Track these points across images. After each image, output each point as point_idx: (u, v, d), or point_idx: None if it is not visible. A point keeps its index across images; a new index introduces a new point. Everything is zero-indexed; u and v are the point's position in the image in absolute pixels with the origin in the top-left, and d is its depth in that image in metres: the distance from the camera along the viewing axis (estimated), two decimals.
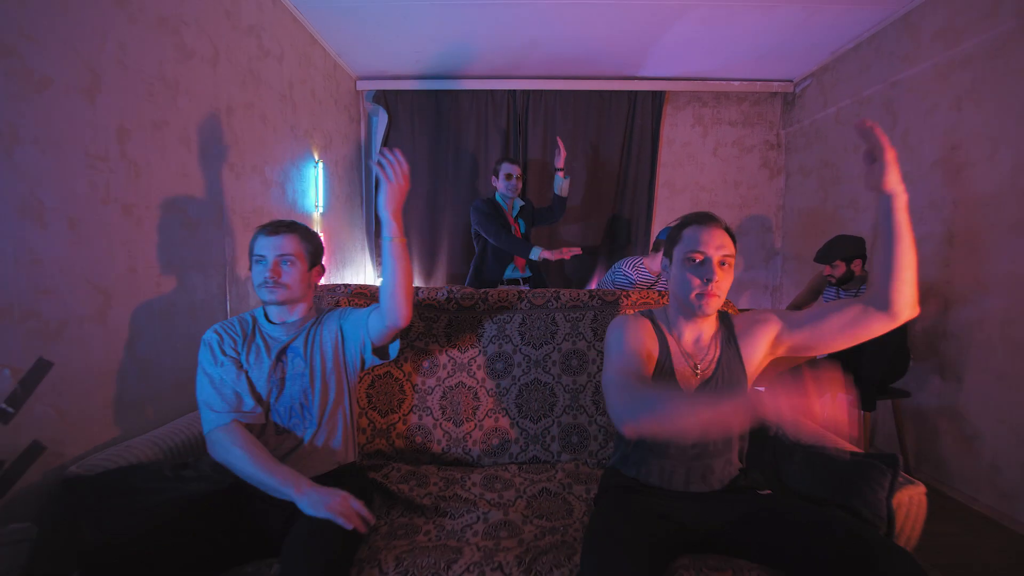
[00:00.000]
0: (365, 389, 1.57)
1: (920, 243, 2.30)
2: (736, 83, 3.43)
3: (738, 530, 1.02)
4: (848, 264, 2.26)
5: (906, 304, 1.01)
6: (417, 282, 3.56)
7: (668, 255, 1.17)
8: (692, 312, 1.11)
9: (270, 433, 1.19)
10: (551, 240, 3.53)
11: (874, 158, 1.00)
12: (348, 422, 1.29)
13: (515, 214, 2.76)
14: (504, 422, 1.57)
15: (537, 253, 2.56)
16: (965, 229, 2.11)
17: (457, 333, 1.62)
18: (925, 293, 2.28)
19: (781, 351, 1.17)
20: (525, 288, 2.28)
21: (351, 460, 1.28)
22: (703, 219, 1.12)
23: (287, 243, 1.22)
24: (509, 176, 2.66)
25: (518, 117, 3.44)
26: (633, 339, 1.10)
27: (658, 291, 1.71)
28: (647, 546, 0.93)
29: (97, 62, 1.28)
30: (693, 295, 1.08)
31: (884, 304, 1.02)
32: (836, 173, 2.98)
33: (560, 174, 2.85)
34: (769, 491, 1.13)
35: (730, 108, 3.57)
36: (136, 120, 1.41)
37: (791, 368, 2.54)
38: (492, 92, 3.41)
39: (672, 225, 1.20)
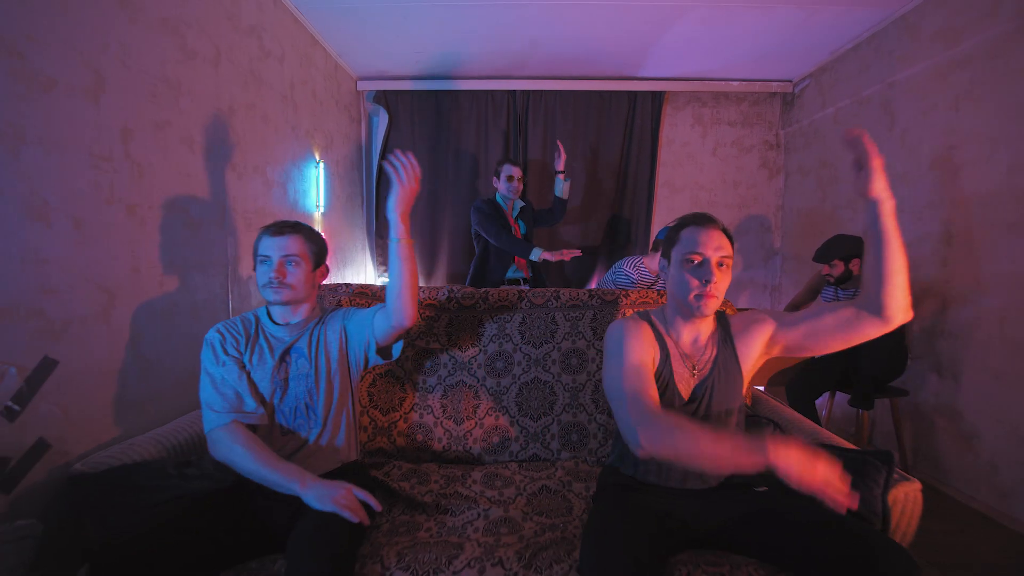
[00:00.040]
0: (366, 388, 1.58)
1: (918, 242, 2.33)
2: (735, 83, 3.44)
3: (736, 527, 1.03)
4: (846, 264, 2.28)
5: (899, 308, 1.03)
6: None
7: (666, 256, 1.17)
8: (690, 313, 1.12)
9: (275, 434, 1.20)
10: (551, 240, 3.54)
11: (861, 165, 1.01)
12: (351, 421, 1.30)
13: (515, 215, 2.77)
14: (504, 420, 1.58)
15: (537, 254, 2.57)
16: (963, 229, 2.12)
17: (458, 332, 1.63)
18: (923, 292, 2.29)
19: (776, 351, 1.18)
20: (525, 288, 2.30)
21: (354, 458, 1.29)
22: (701, 220, 1.12)
23: (292, 243, 1.23)
24: (511, 178, 2.68)
25: (518, 117, 3.45)
26: (636, 347, 1.10)
27: (657, 291, 1.73)
28: (645, 542, 0.94)
29: (100, 63, 1.29)
30: (692, 296, 1.09)
31: (877, 309, 1.03)
32: (835, 173, 2.99)
33: (560, 176, 2.87)
34: (766, 488, 1.15)
35: (729, 108, 3.58)
36: (139, 120, 1.42)
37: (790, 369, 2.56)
38: (492, 92, 3.42)
39: (670, 226, 1.21)
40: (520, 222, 2.80)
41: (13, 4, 1.08)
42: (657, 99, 3.46)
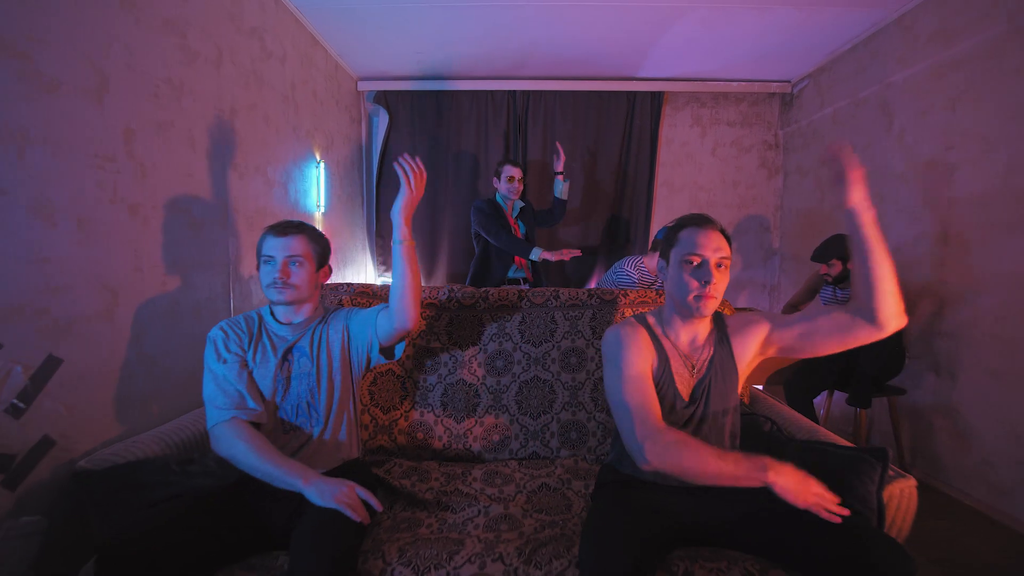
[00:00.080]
0: (367, 386, 1.59)
1: (915, 242, 2.34)
2: (734, 84, 3.46)
3: (733, 524, 1.05)
4: (844, 263, 2.29)
5: (891, 315, 1.04)
6: None
7: (664, 256, 1.18)
8: (689, 313, 1.13)
9: (278, 432, 1.21)
10: (551, 240, 3.55)
11: (840, 178, 1.03)
12: (353, 419, 1.31)
13: (515, 215, 2.79)
14: (504, 419, 1.59)
15: (537, 254, 2.59)
16: (960, 228, 2.13)
17: (458, 331, 1.64)
18: (920, 292, 2.31)
19: (771, 352, 1.20)
20: (525, 287, 2.31)
21: (355, 456, 1.31)
22: (699, 221, 1.13)
23: (296, 244, 1.24)
24: (511, 179, 2.69)
25: (518, 118, 3.46)
26: (634, 356, 1.12)
27: (656, 290, 1.74)
28: (643, 539, 0.96)
29: (104, 64, 1.30)
30: (691, 297, 1.10)
31: (869, 316, 1.04)
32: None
33: (560, 177, 2.90)
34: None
35: (728, 108, 3.60)
36: (142, 121, 1.43)
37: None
38: (492, 93, 3.43)
39: (668, 226, 1.22)
40: (520, 222, 2.81)
41: (18, 5, 1.09)
42: (656, 99, 3.47)
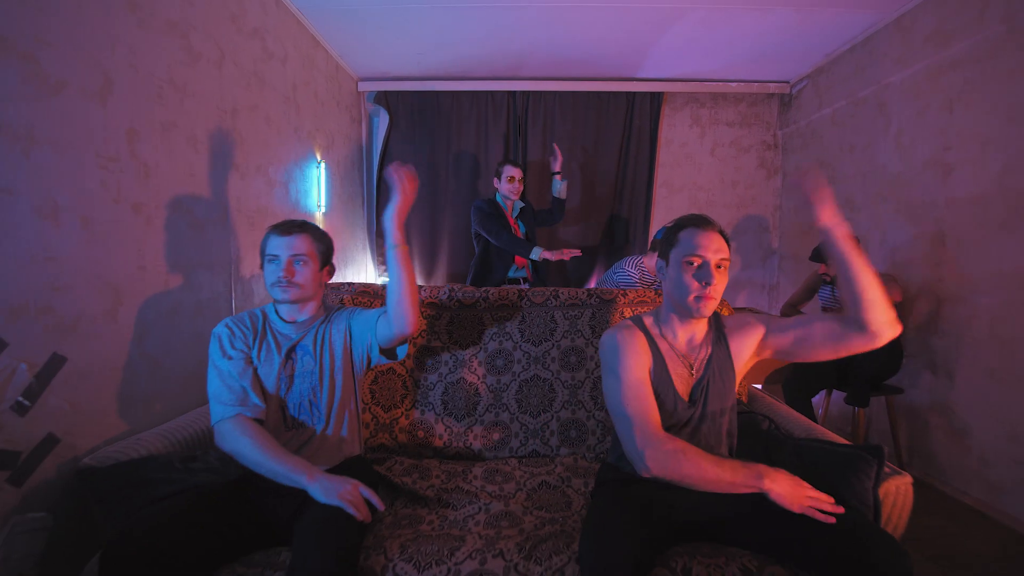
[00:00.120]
0: (368, 385, 1.60)
1: (913, 242, 2.36)
2: (733, 84, 3.47)
3: (731, 521, 1.06)
4: None
5: (882, 324, 1.04)
6: (418, 281, 3.59)
7: (664, 256, 1.19)
8: (689, 314, 1.14)
9: (280, 429, 1.22)
10: (551, 240, 3.56)
11: (810, 201, 1.07)
12: (355, 417, 1.32)
13: (515, 215, 2.80)
14: (504, 417, 1.60)
15: (538, 253, 2.60)
16: (956, 228, 2.15)
17: (458, 330, 1.66)
18: (918, 291, 2.32)
19: (766, 354, 1.22)
20: (525, 287, 2.32)
21: (358, 452, 1.32)
22: (699, 222, 1.14)
23: (300, 243, 1.25)
24: (512, 179, 2.71)
25: (518, 118, 3.48)
26: (632, 361, 1.13)
27: (655, 290, 1.75)
28: (643, 535, 0.97)
29: (108, 65, 1.32)
30: (691, 298, 1.11)
31: (860, 327, 1.05)
32: (832, 173, 3.02)
33: (558, 177, 2.92)
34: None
35: (727, 109, 3.61)
36: (145, 122, 1.44)
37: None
38: (492, 93, 3.44)
39: (667, 226, 1.22)
40: (520, 222, 2.83)
41: (25, 7, 1.10)
42: (655, 100, 3.48)
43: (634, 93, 3.45)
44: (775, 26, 2.64)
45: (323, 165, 2.76)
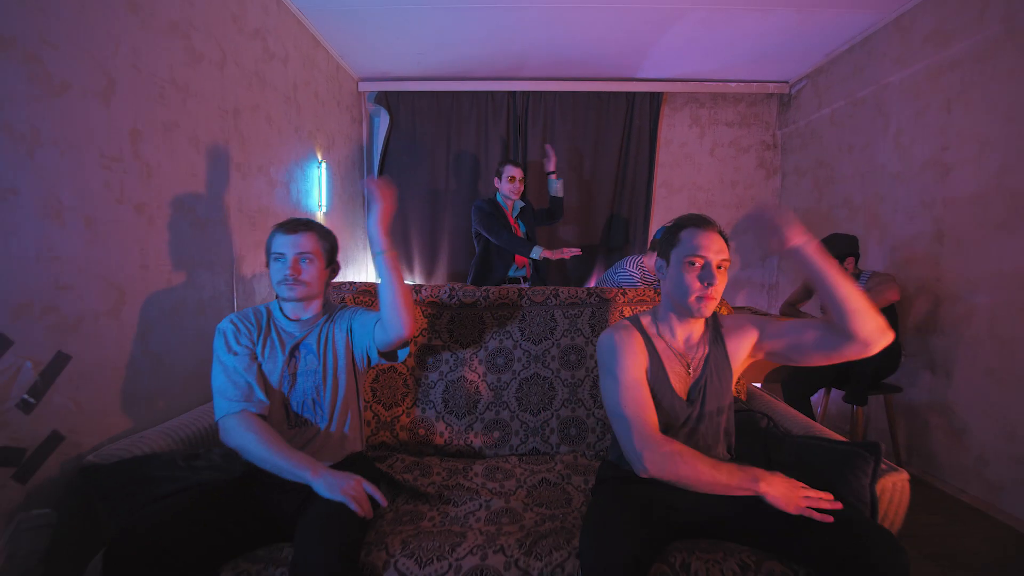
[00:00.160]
0: (369, 383, 1.61)
1: (911, 241, 2.37)
2: (733, 84, 3.48)
3: (730, 517, 1.07)
4: (841, 262, 2.31)
5: (871, 332, 1.03)
6: (418, 281, 3.60)
7: (664, 256, 1.19)
8: (689, 313, 1.15)
9: (283, 427, 1.23)
10: (550, 240, 3.57)
11: (773, 230, 1.05)
12: (357, 415, 1.33)
13: (515, 215, 2.82)
14: (505, 415, 1.61)
15: (538, 252, 2.62)
16: (954, 227, 2.16)
17: (459, 329, 1.67)
18: (916, 290, 2.33)
19: (761, 355, 1.23)
20: (525, 286, 2.33)
21: (360, 449, 1.33)
22: (701, 223, 1.14)
23: (306, 241, 1.26)
24: (512, 179, 2.73)
25: (518, 118, 3.49)
26: (630, 362, 1.14)
27: (655, 289, 1.76)
28: (642, 531, 0.98)
29: (111, 66, 1.33)
30: (693, 298, 1.12)
31: (849, 337, 1.04)
32: (830, 173, 3.03)
33: (552, 176, 2.95)
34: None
35: (727, 109, 3.62)
36: (148, 122, 1.45)
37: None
38: (492, 93, 3.45)
39: (667, 226, 1.23)
40: (520, 222, 2.84)
41: (30, 9, 1.11)
42: (655, 100, 3.49)
43: (634, 93, 3.46)
44: (775, 26, 2.65)
45: (324, 165, 2.77)
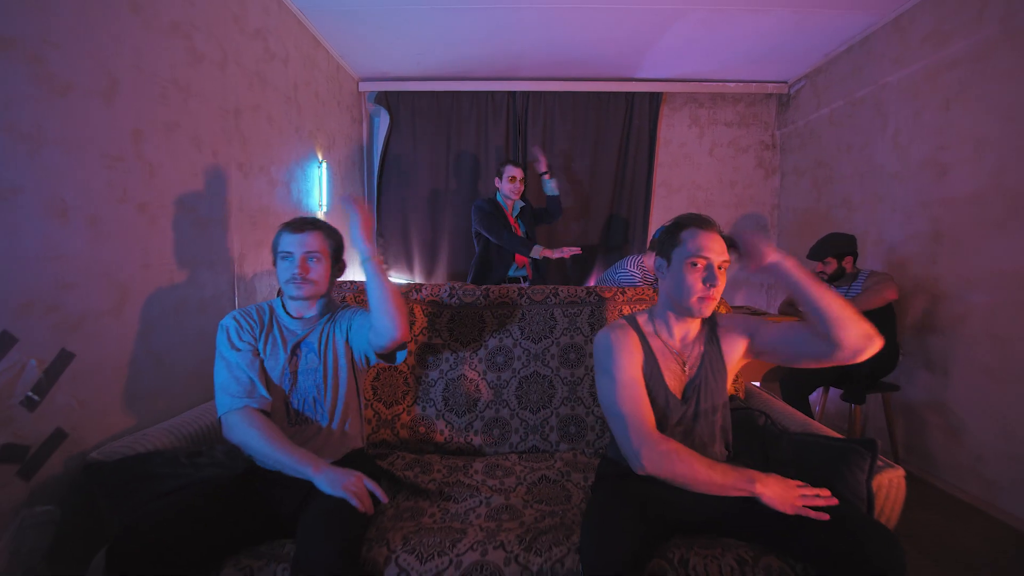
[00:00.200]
0: (370, 381, 1.62)
1: (909, 240, 2.38)
2: (732, 84, 3.49)
3: (728, 514, 1.07)
4: (839, 261, 2.32)
5: (856, 339, 1.03)
6: (418, 280, 3.61)
7: (664, 255, 1.19)
8: (689, 313, 1.16)
9: (284, 425, 1.24)
10: (550, 239, 3.58)
11: (749, 253, 1.12)
12: (357, 414, 1.34)
13: (515, 215, 2.83)
14: (504, 413, 1.62)
15: (538, 252, 2.63)
16: (952, 227, 2.17)
17: (459, 328, 1.68)
18: (914, 289, 2.34)
19: (753, 356, 1.24)
20: (525, 285, 2.35)
21: (360, 446, 1.34)
22: (703, 223, 1.15)
23: (313, 240, 1.26)
24: (513, 179, 2.75)
25: (518, 118, 3.50)
26: (626, 361, 1.15)
27: (654, 289, 1.77)
28: (641, 527, 0.99)
29: (114, 66, 1.33)
30: (695, 299, 1.13)
31: (835, 346, 1.05)
32: (829, 173, 3.04)
33: (546, 177, 2.97)
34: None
35: (726, 109, 3.63)
36: (150, 122, 1.46)
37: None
38: (492, 93, 3.46)
39: (667, 225, 1.22)
40: (520, 222, 2.85)
41: (33, 9, 1.12)
42: (654, 100, 3.50)
43: (633, 93, 3.47)
44: (773, 27, 2.66)
45: (324, 165, 2.78)
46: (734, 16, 2.56)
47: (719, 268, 1.13)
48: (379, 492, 1.10)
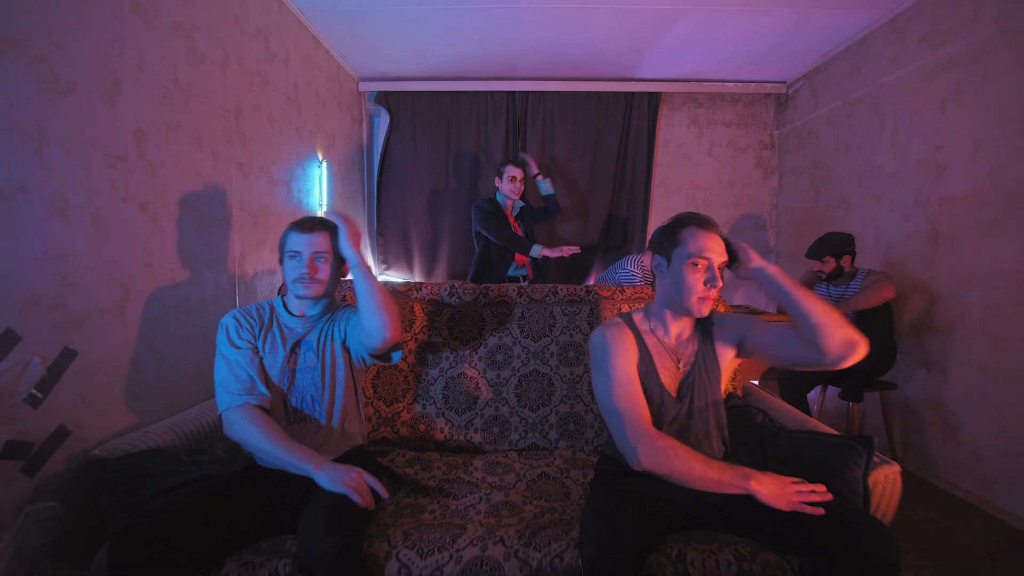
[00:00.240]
0: (370, 379, 1.63)
1: (907, 240, 2.39)
2: (731, 84, 3.50)
3: (725, 510, 1.08)
4: (837, 260, 2.33)
5: (840, 345, 1.03)
6: (418, 279, 3.62)
7: (664, 254, 1.19)
8: (687, 312, 1.17)
9: (282, 423, 1.24)
10: (550, 238, 3.59)
11: (736, 260, 1.15)
12: (357, 412, 1.35)
13: (515, 214, 2.84)
14: (504, 411, 1.63)
15: (537, 251, 2.64)
16: (949, 226, 2.18)
17: (459, 326, 1.68)
18: (911, 288, 2.35)
19: (745, 355, 1.25)
20: (525, 284, 2.35)
21: (360, 444, 1.34)
22: (703, 223, 1.15)
23: (321, 240, 1.27)
24: (513, 179, 2.76)
25: (517, 118, 3.51)
26: (621, 359, 1.16)
27: (653, 288, 1.78)
28: (640, 523, 1.00)
29: (116, 66, 1.34)
30: (695, 299, 1.14)
31: (820, 351, 1.05)
32: (827, 173, 3.05)
33: (540, 178, 2.99)
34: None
35: (725, 109, 3.64)
36: (152, 121, 1.47)
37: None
38: (492, 93, 3.47)
39: (667, 224, 1.22)
40: (520, 221, 2.86)
41: (37, 10, 1.13)
42: (653, 100, 3.51)
43: (632, 93, 3.48)
44: (772, 27, 2.67)
45: (324, 165, 2.79)
46: (734, 16, 2.57)
47: (719, 268, 1.14)
48: (379, 487, 1.10)
